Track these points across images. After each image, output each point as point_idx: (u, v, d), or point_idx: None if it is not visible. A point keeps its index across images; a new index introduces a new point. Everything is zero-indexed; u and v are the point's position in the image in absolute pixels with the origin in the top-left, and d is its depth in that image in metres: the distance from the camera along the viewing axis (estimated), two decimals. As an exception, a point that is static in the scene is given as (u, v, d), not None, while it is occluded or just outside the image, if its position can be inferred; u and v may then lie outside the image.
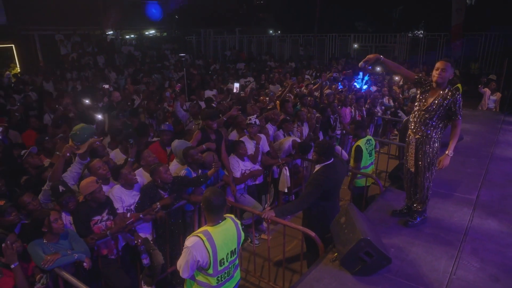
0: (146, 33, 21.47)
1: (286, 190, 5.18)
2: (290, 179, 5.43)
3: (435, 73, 3.42)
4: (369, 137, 5.11)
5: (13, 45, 15.75)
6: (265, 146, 5.13)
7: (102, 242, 3.40)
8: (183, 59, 7.97)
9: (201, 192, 4.02)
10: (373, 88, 9.12)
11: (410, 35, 17.61)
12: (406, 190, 3.93)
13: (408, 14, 22.78)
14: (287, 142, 5.31)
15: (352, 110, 7.22)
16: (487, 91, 8.73)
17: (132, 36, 20.72)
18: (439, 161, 3.44)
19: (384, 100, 8.37)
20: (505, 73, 9.57)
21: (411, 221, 3.80)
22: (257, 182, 5.04)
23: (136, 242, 3.35)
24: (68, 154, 3.51)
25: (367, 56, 3.45)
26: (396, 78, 10.05)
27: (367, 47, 16.67)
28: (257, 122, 4.93)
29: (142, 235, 3.72)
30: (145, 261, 3.32)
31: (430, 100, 3.45)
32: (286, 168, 5.11)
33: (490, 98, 8.67)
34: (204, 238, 2.58)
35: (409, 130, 3.68)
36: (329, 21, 19.43)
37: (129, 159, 4.07)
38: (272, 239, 4.65)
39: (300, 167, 5.67)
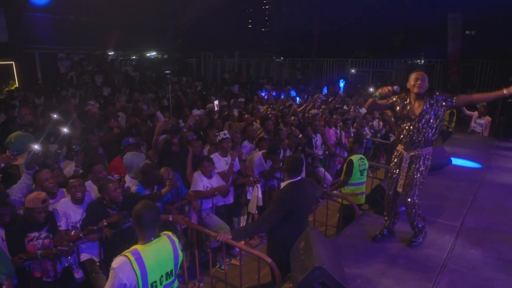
0: (148, 54, 21.75)
1: (254, 211, 4.82)
2: (267, 200, 5.10)
3: (415, 84, 3.27)
4: (362, 156, 4.88)
5: (13, 62, 15.94)
6: (236, 164, 4.83)
7: (36, 262, 3.08)
8: (168, 76, 7.85)
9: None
10: (363, 110, 8.88)
11: (409, 62, 17.65)
12: (387, 210, 3.63)
13: (408, 43, 22.96)
14: (257, 155, 5.04)
15: (338, 131, 6.94)
16: (475, 114, 8.43)
17: (134, 57, 21.00)
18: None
19: (374, 122, 8.10)
20: (501, 99, 9.32)
21: (414, 241, 3.56)
22: (226, 203, 4.71)
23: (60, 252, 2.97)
24: (2, 164, 3.25)
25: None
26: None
27: (364, 72, 16.69)
28: (228, 136, 4.67)
29: (87, 255, 3.40)
30: (77, 275, 2.96)
31: (418, 111, 3.29)
32: (259, 186, 4.78)
33: (477, 122, 8.33)
34: (132, 258, 2.29)
35: (400, 149, 3.49)
36: (329, 47, 19.62)
37: (74, 168, 3.80)
38: (244, 264, 4.26)
39: (276, 187, 5.35)
